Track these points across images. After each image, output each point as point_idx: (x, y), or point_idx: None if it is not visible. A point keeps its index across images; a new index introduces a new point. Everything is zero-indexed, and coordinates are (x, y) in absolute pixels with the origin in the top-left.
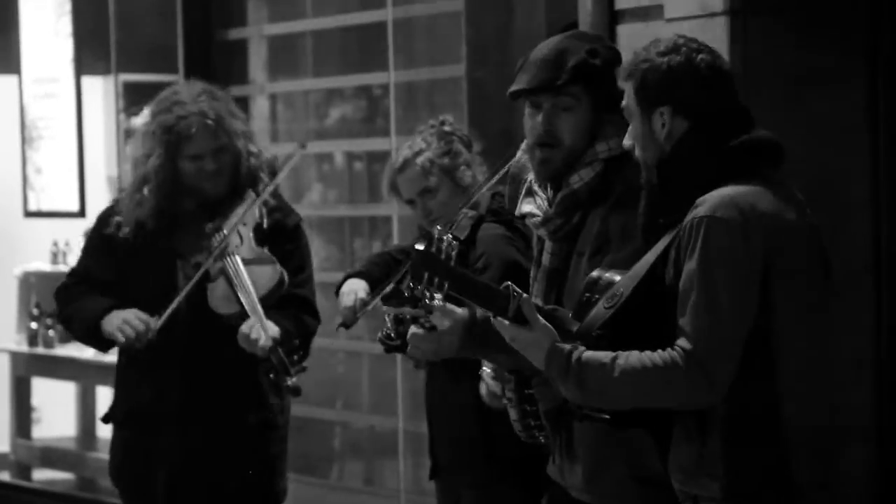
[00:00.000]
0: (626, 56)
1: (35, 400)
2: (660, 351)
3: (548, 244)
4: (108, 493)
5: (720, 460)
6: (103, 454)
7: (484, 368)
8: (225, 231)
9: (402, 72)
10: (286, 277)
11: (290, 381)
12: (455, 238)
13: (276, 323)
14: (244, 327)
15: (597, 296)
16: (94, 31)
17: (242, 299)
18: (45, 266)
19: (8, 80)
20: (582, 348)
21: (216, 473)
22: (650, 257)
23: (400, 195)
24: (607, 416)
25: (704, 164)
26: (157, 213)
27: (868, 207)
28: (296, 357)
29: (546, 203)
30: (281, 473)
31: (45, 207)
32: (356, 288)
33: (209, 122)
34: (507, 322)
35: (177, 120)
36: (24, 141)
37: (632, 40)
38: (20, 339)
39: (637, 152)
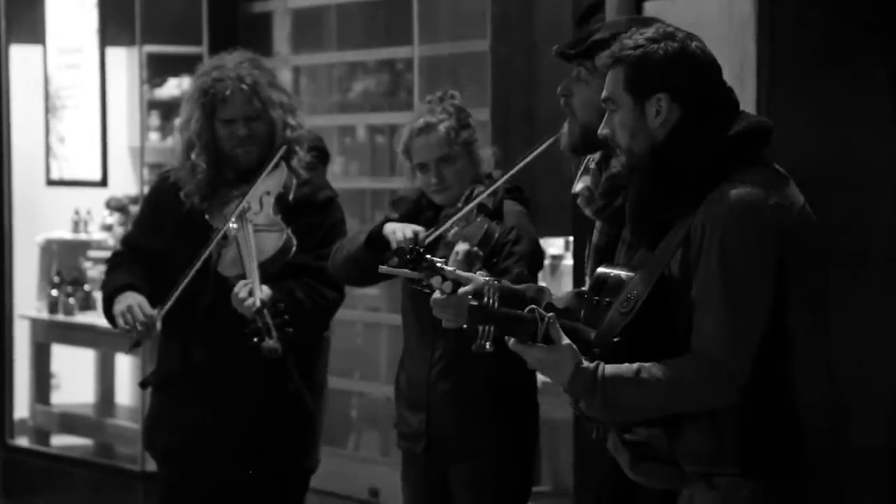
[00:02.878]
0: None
1: (54, 366)
2: (680, 358)
3: (598, 222)
4: (126, 459)
5: (736, 449)
6: (121, 421)
7: None
8: (245, 198)
9: (426, 46)
10: (293, 247)
11: (268, 343)
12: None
13: (285, 289)
14: (236, 288)
15: (607, 298)
16: (118, 2)
17: (245, 263)
18: (66, 234)
19: (33, 50)
20: (603, 365)
21: (240, 442)
22: (661, 261)
23: (411, 158)
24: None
25: (703, 152)
26: (210, 180)
27: (891, 186)
28: (280, 321)
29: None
30: (306, 450)
31: (68, 176)
32: (404, 225)
33: (244, 87)
34: (529, 346)
35: (213, 83)
36: (47, 110)
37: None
38: (41, 306)
39: (621, 141)
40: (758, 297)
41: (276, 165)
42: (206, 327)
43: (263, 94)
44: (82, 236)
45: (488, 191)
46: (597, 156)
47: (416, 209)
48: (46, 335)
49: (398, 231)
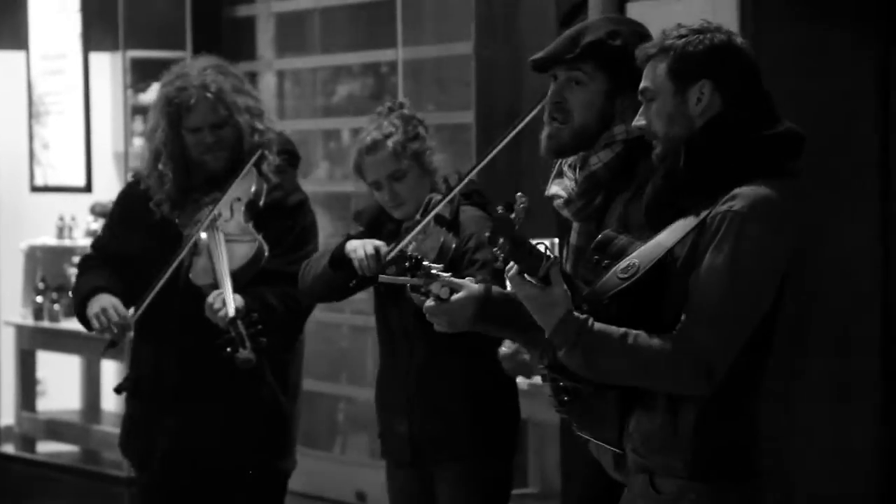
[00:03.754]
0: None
1: (40, 373)
2: (667, 336)
3: (575, 224)
4: (112, 465)
5: (691, 436)
6: (107, 427)
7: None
8: (217, 205)
9: (410, 48)
10: (265, 254)
11: (242, 354)
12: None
13: (258, 297)
14: (209, 298)
15: (607, 260)
16: (102, 6)
17: (216, 272)
18: (50, 240)
19: (16, 56)
20: (592, 319)
21: (214, 449)
22: (669, 239)
23: (364, 177)
24: (579, 385)
25: (737, 149)
26: (178, 188)
27: (877, 183)
28: (254, 331)
29: (573, 184)
30: (281, 452)
31: (52, 182)
32: (364, 241)
33: (209, 94)
34: (527, 279)
35: (177, 91)
36: (31, 116)
37: (642, 20)
38: (26, 312)
39: (659, 130)
40: (758, 301)
41: (246, 170)
42: (177, 334)
43: (229, 100)
44: (67, 242)
45: (443, 201)
46: (570, 158)
47: (379, 220)
48: (32, 342)
49: (359, 249)
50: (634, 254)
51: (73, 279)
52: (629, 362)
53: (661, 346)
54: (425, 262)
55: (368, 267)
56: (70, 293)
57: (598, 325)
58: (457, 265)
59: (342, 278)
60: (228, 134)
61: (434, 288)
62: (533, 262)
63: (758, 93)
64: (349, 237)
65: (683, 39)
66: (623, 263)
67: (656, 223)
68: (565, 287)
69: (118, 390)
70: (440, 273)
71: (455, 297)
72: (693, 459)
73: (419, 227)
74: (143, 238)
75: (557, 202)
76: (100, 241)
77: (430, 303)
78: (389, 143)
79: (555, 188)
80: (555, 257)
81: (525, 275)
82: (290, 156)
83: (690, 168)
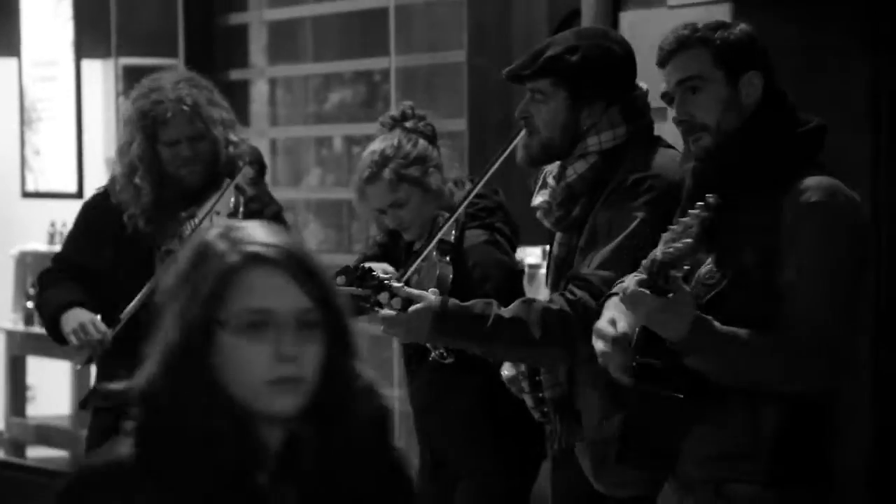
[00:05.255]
0: (635, 43)
1: (30, 378)
2: (781, 332)
3: (557, 234)
4: None
5: (772, 440)
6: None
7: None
8: (197, 219)
9: (402, 57)
10: None
11: None
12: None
13: None
14: None
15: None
16: (94, 14)
17: None
18: (41, 246)
19: (8, 63)
20: (712, 319)
21: None
22: (737, 243)
23: (368, 202)
24: (680, 395)
25: (789, 140)
26: (154, 202)
27: (869, 188)
28: None
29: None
30: None
31: (43, 188)
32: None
33: (185, 108)
34: (648, 293)
35: (153, 105)
36: (23, 123)
37: (635, 27)
38: (16, 318)
39: (709, 119)
40: (855, 288)
41: (228, 185)
42: None
43: (205, 113)
44: (57, 248)
45: (441, 231)
46: (554, 169)
47: (395, 232)
48: (22, 347)
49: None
50: (708, 259)
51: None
52: (759, 361)
53: (784, 341)
54: (374, 273)
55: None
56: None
57: (724, 328)
58: (467, 298)
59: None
60: (205, 147)
61: (382, 298)
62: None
63: (782, 90)
64: (365, 257)
65: (723, 32)
66: (703, 270)
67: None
68: (687, 289)
69: (83, 405)
70: (390, 283)
71: (412, 308)
72: (773, 464)
73: (420, 259)
74: (112, 252)
75: (539, 213)
76: (63, 254)
77: (385, 312)
78: (385, 173)
79: (539, 198)
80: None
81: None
82: (260, 166)
83: (748, 158)
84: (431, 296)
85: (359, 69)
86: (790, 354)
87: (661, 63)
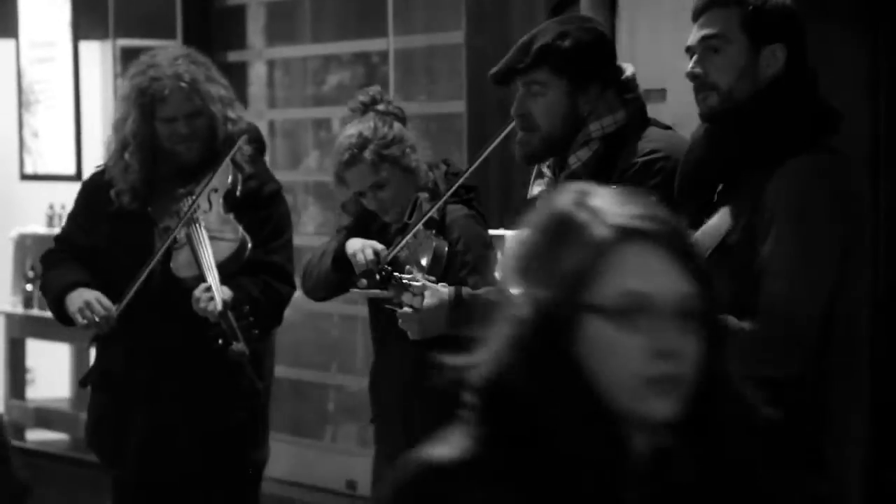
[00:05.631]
0: (626, 26)
1: (29, 361)
2: (752, 318)
3: None
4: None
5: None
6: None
7: None
8: (194, 196)
9: (400, 38)
10: (248, 245)
11: (236, 347)
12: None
13: (242, 288)
14: (196, 291)
15: None
16: None
17: (201, 264)
18: (40, 229)
19: (5, 44)
20: None
21: (190, 445)
22: (724, 222)
23: (347, 187)
24: None
25: (795, 116)
26: (144, 179)
27: (866, 179)
28: (245, 323)
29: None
30: (256, 443)
31: (42, 171)
32: (364, 244)
33: (183, 84)
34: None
35: (150, 82)
36: (20, 104)
37: (631, 10)
38: (15, 300)
39: (722, 82)
40: (832, 269)
41: (225, 162)
42: (153, 327)
43: (202, 90)
44: (56, 230)
45: (432, 210)
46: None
47: (367, 211)
48: (21, 330)
49: (359, 253)
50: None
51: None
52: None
53: (751, 327)
54: (395, 274)
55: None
56: (40, 288)
57: None
58: (448, 268)
59: (344, 278)
60: (202, 124)
61: (406, 299)
62: None
63: (809, 66)
64: (346, 233)
65: None
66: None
67: (690, 200)
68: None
69: (83, 383)
70: (411, 283)
71: (425, 303)
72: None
73: (410, 234)
74: (109, 229)
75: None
76: (64, 234)
77: (402, 310)
78: (366, 154)
79: (537, 189)
80: None
81: None
82: (259, 144)
83: (749, 131)
84: (443, 289)
85: (357, 51)
86: (747, 339)
87: (695, 16)
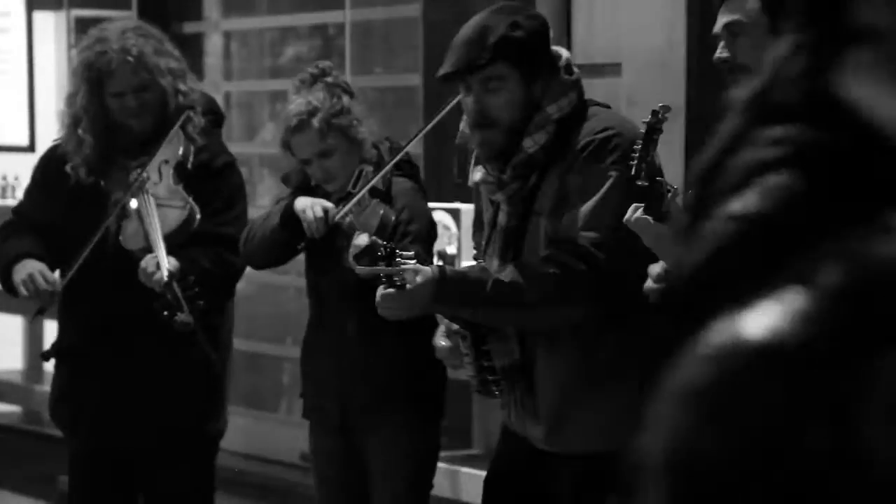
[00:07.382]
0: (583, 1)
1: None
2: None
3: (503, 205)
4: (55, 426)
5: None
6: (50, 387)
7: (440, 327)
8: (145, 168)
9: (357, 10)
10: (196, 215)
11: (181, 317)
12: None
13: (191, 260)
14: (143, 262)
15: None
16: None
17: (149, 235)
18: None
19: None
20: None
21: (145, 414)
22: None
23: (293, 154)
24: None
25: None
26: (99, 153)
27: None
28: (192, 294)
29: (496, 169)
30: (212, 415)
31: None
32: (313, 202)
33: (129, 58)
34: (652, 221)
35: (98, 56)
36: None
37: None
38: None
39: (752, 62)
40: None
41: (174, 134)
42: (107, 299)
43: (150, 63)
44: (10, 202)
45: (377, 177)
46: None
47: (307, 182)
48: None
49: (308, 210)
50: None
51: None
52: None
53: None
54: (397, 251)
55: (317, 229)
56: None
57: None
58: (390, 237)
59: (289, 239)
60: (152, 97)
61: (409, 277)
62: (657, 203)
63: None
64: (294, 194)
65: None
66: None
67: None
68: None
69: (45, 357)
70: (405, 261)
71: (411, 282)
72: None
73: (355, 199)
74: (65, 203)
75: (487, 187)
76: (21, 207)
77: (385, 289)
78: (315, 121)
79: (478, 175)
80: (675, 188)
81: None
82: (215, 116)
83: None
84: (427, 268)
85: (314, 23)
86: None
87: (718, 3)
